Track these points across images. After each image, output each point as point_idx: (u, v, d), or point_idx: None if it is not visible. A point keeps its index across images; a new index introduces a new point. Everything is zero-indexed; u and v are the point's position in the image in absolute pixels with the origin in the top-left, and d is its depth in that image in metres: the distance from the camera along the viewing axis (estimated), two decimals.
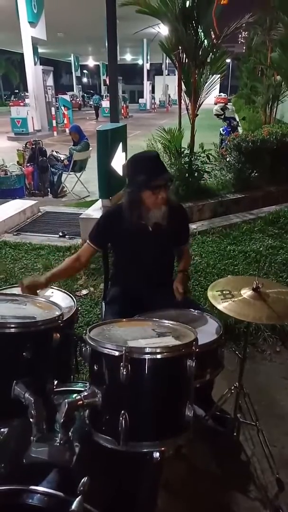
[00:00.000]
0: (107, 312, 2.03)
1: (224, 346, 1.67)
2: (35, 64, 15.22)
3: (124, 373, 1.08)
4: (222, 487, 1.83)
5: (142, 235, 1.97)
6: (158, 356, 1.11)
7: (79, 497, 1.05)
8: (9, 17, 14.76)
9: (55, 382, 1.46)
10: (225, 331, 1.84)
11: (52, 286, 2.07)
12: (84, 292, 3.41)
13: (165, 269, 2.11)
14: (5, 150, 8.17)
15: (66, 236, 4.67)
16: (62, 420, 1.12)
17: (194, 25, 5.03)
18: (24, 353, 1.19)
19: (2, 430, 1.31)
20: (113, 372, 1.10)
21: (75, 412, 1.19)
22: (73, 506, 1.01)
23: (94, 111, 25.88)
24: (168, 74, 33.36)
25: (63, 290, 2.03)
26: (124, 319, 1.43)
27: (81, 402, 1.15)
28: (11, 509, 1.04)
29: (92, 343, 1.16)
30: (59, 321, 1.30)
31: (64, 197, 6.94)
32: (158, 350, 1.11)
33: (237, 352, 1.85)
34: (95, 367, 1.17)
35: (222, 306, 1.58)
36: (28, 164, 6.88)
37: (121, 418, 1.10)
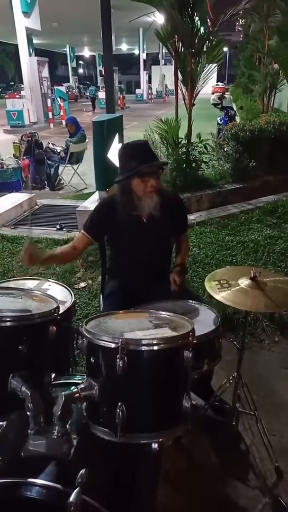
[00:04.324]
0: (104, 305, 2.02)
1: (222, 336, 1.67)
2: (30, 55, 15.05)
3: (121, 365, 1.08)
4: (221, 477, 1.84)
5: (137, 227, 1.95)
6: (155, 348, 1.10)
7: (77, 489, 1.05)
8: (2, 7, 14.53)
9: (53, 375, 1.46)
10: (224, 321, 1.85)
11: (49, 279, 2.06)
12: (82, 285, 3.40)
13: (162, 260, 2.10)
14: (1, 143, 8.11)
15: (64, 229, 4.65)
16: (59, 413, 1.12)
17: (190, 12, 4.96)
18: (20, 347, 1.19)
19: (0, 423, 1.31)
20: (110, 364, 1.10)
21: (73, 404, 1.20)
22: (71, 498, 1.01)
23: (90, 103, 25.66)
24: (165, 64, 32.98)
25: (60, 283, 2.02)
26: (121, 311, 1.42)
27: (78, 394, 1.14)
28: (10, 502, 1.04)
29: (88, 335, 1.16)
30: (55, 314, 1.30)
31: (61, 190, 6.90)
32: (154, 342, 1.10)
33: (235, 343, 1.85)
34: (91, 359, 1.17)
35: (219, 296, 1.57)
36: (24, 157, 6.82)
37: (118, 410, 1.09)
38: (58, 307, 1.34)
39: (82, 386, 1.17)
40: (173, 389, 1.16)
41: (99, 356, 1.14)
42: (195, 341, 1.28)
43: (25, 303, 1.36)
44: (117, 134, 4.43)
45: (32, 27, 14.94)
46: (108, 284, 2.15)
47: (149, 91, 31.19)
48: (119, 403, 1.10)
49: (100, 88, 25.50)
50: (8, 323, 1.16)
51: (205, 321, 1.67)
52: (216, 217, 4.84)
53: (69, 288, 1.96)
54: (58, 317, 1.32)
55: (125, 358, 1.08)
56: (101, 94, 22.48)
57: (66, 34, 25.90)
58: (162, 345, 1.10)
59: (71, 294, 1.90)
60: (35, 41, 17.00)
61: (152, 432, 1.14)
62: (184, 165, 5.62)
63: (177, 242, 2.17)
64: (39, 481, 1.07)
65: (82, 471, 1.10)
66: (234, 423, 2.01)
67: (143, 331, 1.21)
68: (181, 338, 1.14)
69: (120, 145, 4.63)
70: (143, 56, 29.20)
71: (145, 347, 1.09)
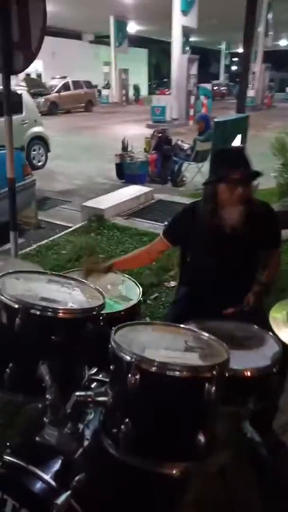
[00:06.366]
0: (169, 311, 1.96)
1: (278, 374, 1.45)
2: (185, 52, 15.41)
3: (132, 381, 1.03)
4: None
5: (217, 237, 1.82)
6: (169, 373, 1.01)
7: (68, 492, 1.05)
8: (163, 7, 15.19)
9: (95, 370, 1.49)
10: None
11: (124, 275, 2.08)
12: (173, 284, 3.38)
13: (241, 277, 1.91)
14: (141, 137, 8.61)
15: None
16: (69, 411, 1.13)
17: None
18: (53, 337, 1.23)
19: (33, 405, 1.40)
20: (124, 378, 1.06)
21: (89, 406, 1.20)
22: (59, 500, 1.02)
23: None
24: None
25: (134, 280, 2.03)
26: (162, 324, 1.36)
27: (90, 398, 1.13)
28: (6, 480, 1.10)
29: (111, 342, 1.13)
30: (94, 312, 1.30)
31: (182, 187, 6.95)
32: (169, 367, 1.01)
33: None
34: (112, 367, 1.14)
35: (282, 332, 1.36)
36: (153, 152, 7.07)
37: (123, 426, 1.05)
38: (101, 306, 1.35)
39: (98, 391, 1.16)
40: (186, 421, 1.06)
41: (117, 366, 1.11)
42: (229, 375, 1.16)
43: (73, 295, 1.40)
44: (240, 135, 4.24)
45: (189, 25, 15.27)
46: (179, 291, 2.07)
47: None
48: (126, 419, 1.06)
49: (250, 86, 24.65)
50: (43, 312, 1.20)
51: (262, 353, 1.47)
52: None
53: (139, 286, 1.96)
54: (97, 315, 1.33)
55: (137, 374, 1.03)
56: (248, 92, 21.72)
57: (223, 30, 25.71)
58: (177, 372, 1.01)
59: (139, 293, 1.89)
60: (191, 38, 17.35)
61: (157, 459, 1.06)
62: None
63: (265, 257, 1.96)
64: (38, 471, 1.10)
65: (80, 476, 1.09)
66: None
67: (169, 351, 1.12)
68: (202, 369, 1.03)
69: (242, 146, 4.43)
70: None
71: (158, 369, 1.02)
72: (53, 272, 1.58)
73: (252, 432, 1.89)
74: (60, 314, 1.23)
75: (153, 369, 1.02)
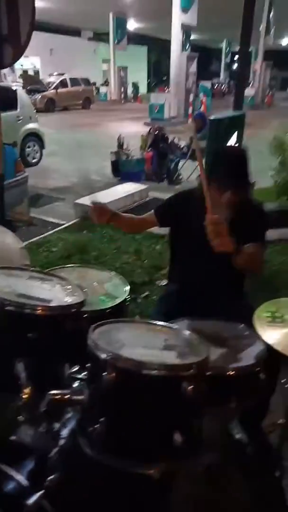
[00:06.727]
0: (155, 309, 1.93)
1: (262, 374, 1.43)
2: (185, 50, 15.34)
3: (108, 379, 1.01)
4: None
5: (205, 231, 1.79)
6: (144, 372, 0.99)
7: (41, 492, 1.03)
8: (163, 4, 15.12)
9: (76, 368, 1.46)
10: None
11: (111, 272, 2.05)
12: (164, 282, 3.34)
13: (227, 275, 1.88)
14: (138, 135, 8.57)
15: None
16: (43, 410, 1.11)
17: None
18: (28, 334, 1.20)
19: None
20: (99, 376, 1.03)
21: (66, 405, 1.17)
22: (30, 500, 1.00)
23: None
24: None
25: (122, 277, 2.00)
26: (145, 322, 1.33)
27: (66, 397, 1.11)
28: None
29: (88, 340, 1.11)
30: (73, 310, 1.28)
31: (178, 185, 6.92)
32: (145, 365, 0.99)
33: (286, 386, 1.57)
34: (89, 364, 1.12)
35: (265, 333, 1.33)
36: (149, 149, 7.04)
37: (98, 425, 1.03)
38: (81, 303, 1.32)
39: (75, 389, 1.13)
40: (162, 420, 1.03)
41: (93, 364, 1.08)
42: (211, 373, 1.14)
43: (54, 292, 1.37)
44: (236, 133, 4.21)
45: (188, 23, 15.21)
46: (168, 287, 2.05)
47: None
48: (102, 418, 1.03)
49: (250, 84, 24.58)
50: (18, 309, 1.18)
51: (246, 352, 1.45)
52: None
53: (127, 284, 1.93)
54: (77, 313, 1.30)
55: (113, 373, 1.00)
56: (248, 91, 21.68)
57: (224, 29, 25.65)
58: (152, 371, 0.98)
59: (127, 290, 1.87)
60: (192, 37, 17.27)
61: (132, 459, 1.04)
62: None
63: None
64: (10, 471, 1.07)
65: (54, 475, 1.07)
66: (278, 475, 1.74)
67: (147, 349, 1.10)
68: (178, 368, 1.01)
69: (238, 145, 4.40)
70: None
71: (134, 368, 0.99)
72: (35, 269, 1.55)
73: (240, 432, 1.88)
74: (37, 311, 1.20)
75: (129, 367, 0.99)
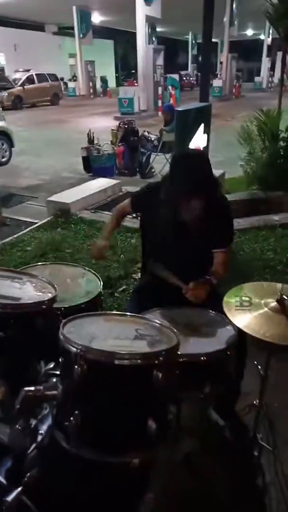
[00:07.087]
0: (130, 301, 1.95)
1: (234, 357, 1.47)
2: (152, 43, 15.24)
3: (79, 372, 1.02)
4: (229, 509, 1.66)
5: (173, 225, 1.81)
6: (116, 362, 1.01)
7: (19, 489, 1.03)
8: None
9: (52, 365, 1.46)
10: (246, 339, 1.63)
11: (85, 268, 2.06)
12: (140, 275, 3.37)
13: (199, 266, 1.91)
14: (109, 129, 8.51)
15: (139, 218, 4.65)
16: (17, 407, 1.11)
17: None
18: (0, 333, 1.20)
19: None
20: (71, 370, 1.04)
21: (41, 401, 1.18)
22: (9, 497, 1.00)
23: None
24: None
25: (94, 272, 2.01)
26: (115, 314, 1.35)
27: (40, 392, 1.11)
28: None
29: (60, 334, 1.11)
30: (44, 306, 1.28)
31: (151, 178, 6.92)
32: (116, 356, 1.01)
33: (259, 367, 1.62)
34: (60, 359, 1.13)
35: (234, 316, 1.36)
36: (120, 144, 7.01)
37: (73, 418, 1.04)
38: (52, 299, 1.32)
39: (49, 385, 1.14)
40: (135, 409, 1.05)
41: (65, 358, 1.09)
42: (185, 360, 1.17)
43: (23, 290, 1.37)
44: (203, 124, 4.24)
45: (153, 15, 15.13)
46: (141, 280, 2.07)
47: (270, 79, 29.27)
48: (76, 411, 1.04)
49: (218, 76, 24.76)
50: None
51: (218, 338, 1.49)
52: None
53: (99, 278, 1.94)
54: (49, 309, 1.30)
55: (84, 366, 1.02)
56: (216, 82, 21.86)
57: (189, 21, 25.69)
58: (123, 360, 1.00)
59: (100, 284, 1.88)
60: (158, 29, 17.18)
61: (108, 449, 1.06)
62: (281, 160, 5.18)
63: (215, 256, 1.87)
64: None
65: (32, 472, 1.08)
66: (256, 454, 1.80)
67: (118, 340, 1.12)
68: (148, 356, 1.03)
69: (206, 136, 4.44)
70: (267, 41, 27.50)
71: (105, 359, 1.01)
72: (3, 267, 1.54)
73: (216, 418, 1.92)
74: (7, 309, 1.20)
75: (99, 358, 1.01)
